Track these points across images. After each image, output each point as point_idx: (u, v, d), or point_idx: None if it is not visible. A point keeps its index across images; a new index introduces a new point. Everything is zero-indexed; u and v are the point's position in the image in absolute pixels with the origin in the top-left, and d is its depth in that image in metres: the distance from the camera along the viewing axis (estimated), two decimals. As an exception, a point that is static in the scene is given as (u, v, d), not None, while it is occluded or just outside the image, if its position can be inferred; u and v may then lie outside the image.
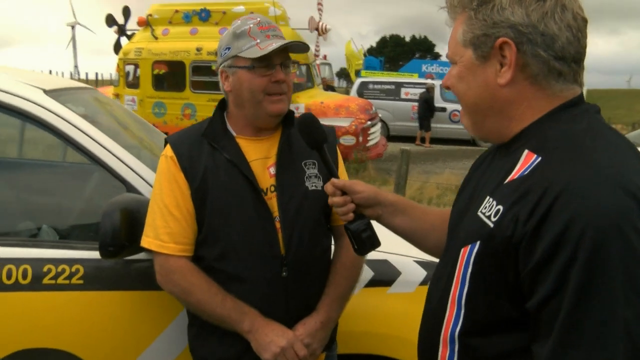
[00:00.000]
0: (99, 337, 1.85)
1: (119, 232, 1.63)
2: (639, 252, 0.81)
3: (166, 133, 8.76)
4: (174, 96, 10.73)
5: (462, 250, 1.00)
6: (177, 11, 10.50)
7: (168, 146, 1.63)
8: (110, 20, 11.85)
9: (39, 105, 1.90)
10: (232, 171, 1.56)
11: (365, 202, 1.38)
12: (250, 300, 1.54)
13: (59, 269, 1.83)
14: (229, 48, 1.60)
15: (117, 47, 11.92)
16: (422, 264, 2.05)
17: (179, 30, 10.52)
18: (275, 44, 1.52)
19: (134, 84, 11.04)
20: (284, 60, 1.59)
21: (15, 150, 2.38)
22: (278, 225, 1.58)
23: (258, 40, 1.55)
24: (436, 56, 59.48)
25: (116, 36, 11.96)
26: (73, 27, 55.60)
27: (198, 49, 10.19)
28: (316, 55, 11.10)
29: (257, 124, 1.63)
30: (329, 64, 21.92)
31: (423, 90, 15.52)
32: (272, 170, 1.62)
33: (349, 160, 9.96)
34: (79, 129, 1.90)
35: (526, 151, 0.98)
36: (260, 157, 1.63)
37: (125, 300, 1.84)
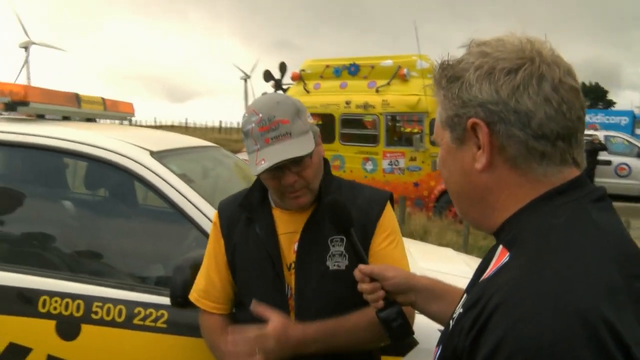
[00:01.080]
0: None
1: (188, 286, 1.82)
2: None
3: None
4: (324, 148, 11.22)
5: (434, 350, 0.94)
6: (327, 66, 11.08)
7: (216, 213, 1.76)
8: (267, 76, 12.87)
9: (139, 164, 2.21)
10: (260, 244, 1.62)
11: (397, 288, 1.32)
12: None
13: (147, 312, 2.07)
14: (244, 141, 1.61)
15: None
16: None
17: (330, 84, 11.06)
18: (267, 163, 1.47)
19: (287, 135, 11.77)
20: (295, 158, 1.50)
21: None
22: (292, 302, 1.60)
23: (258, 147, 1.50)
24: (609, 103, 54.86)
25: (273, 90, 12.93)
26: (245, 81, 61.46)
27: (347, 102, 10.62)
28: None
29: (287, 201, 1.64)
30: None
31: (586, 141, 14.47)
32: (296, 246, 1.62)
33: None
34: (170, 186, 2.17)
35: (500, 247, 0.88)
36: (290, 231, 1.64)
37: (198, 347, 2.01)
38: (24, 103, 2.54)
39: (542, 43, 0.91)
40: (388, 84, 10.21)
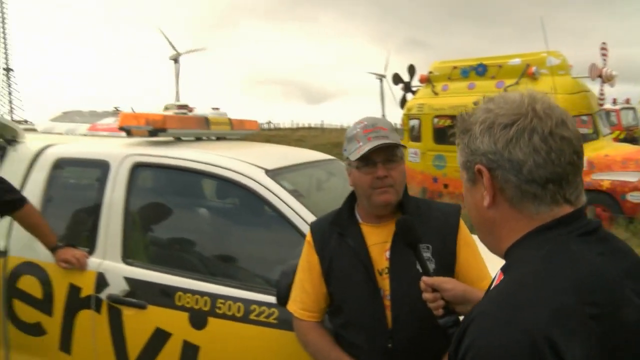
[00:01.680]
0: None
1: (290, 288, 2.14)
2: None
3: (446, 185, 9.27)
4: (453, 149, 11.14)
5: None
6: (455, 67, 11.01)
7: (309, 231, 2.06)
8: (397, 79, 13.03)
9: (255, 181, 2.60)
10: (352, 256, 1.89)
11: (454, 299, 1.52)
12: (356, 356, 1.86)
13: (261, 309, 2.43)
14: (345, 150, 1.93)
15: (403, 102, 13.00)
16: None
17: (458, 85, 10.98)
18: (368, 146, 1.79)
19: (416, 137, 11.85)
20: (387, 157, 1.84)
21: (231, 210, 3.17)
22: (387, 303, 1.84)
23: (361, 144, 1.83)
24: None
25: (402, 93, 13.07)
26: (381, 80, 61.47)
27: (475, 103, 10.37)
28: (600, 105, 10.28)
29: (374, 213, 1.92)
30: (633, 108, 18.41)
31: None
32: (388, 254, 1.88)
33: (638, 218, 8.95)
34: (280, 199, 2.52)
35: (499, 271, 1.04)
36: (379, 241, 1.90)
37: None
38: (163, 130, 3.04)
39: (540, 98, 1.08)
40: (516, 83, 9.91)
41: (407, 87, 13.32)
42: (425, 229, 1.81)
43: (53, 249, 2.87)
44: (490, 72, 10.46)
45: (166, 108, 4.62)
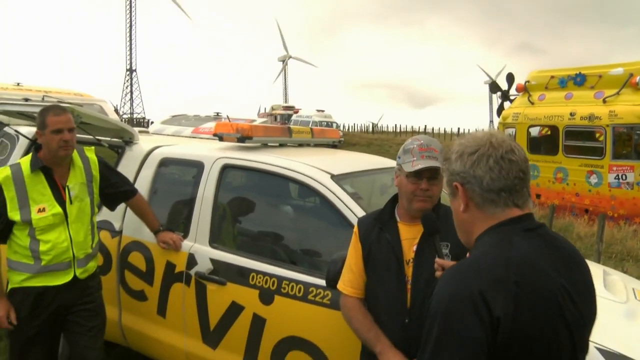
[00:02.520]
0: (332, 338, 2.81)
1: (338, 273, 2.56)
2: (453, 321, 1.30)
3: (538, 195, 9.32)
4: (547, 159, 11.05)
5: None
6: (552, 77, 10.88)
7: (356, 224, 2.50)
8: (494, 87, 13.03)
9: (321, 184, 3.06)
10: (388, 247, 2.31)
11: None
12: (387, 333, 2.26)
13: (317, 291, 2.88)
14: (399, 157, 2.34)
15: (500, 110, 12.96)
16: (602, 350, 2.33)
17: (554, 95, 10.85)
18: (420, 165, 2.22)
19: (513, 146, 11.78)
20: (432, 174, 2.26)
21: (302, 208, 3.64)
22: (409, 287, 2.24)
23: (414, 159, 2.25)
24: None
25: (500, 101, 13.04)
26: (490, 85, 59.82)
27: (572, 114, 10.33)
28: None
29: (411, 214, 2.33)
30: None
31: None
32: (415, 247, 2.29)
33: None
34: (340, 200, 2.96)
35: (467, 253, 1.52)
36: (410, 237, 2.31)
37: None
38: (249, 137, 3.58)
39: (495, 134, 1.52)
40: (617, 93, 9.68)
41: (505, 96, 13.27)
42: (447, 230, 2.17)
43: (156, 232, 3.49)
44: (590, 82, 10.27)
45: (273, 108, 5.17)
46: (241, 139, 3.56)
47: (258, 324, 3.07)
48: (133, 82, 74.41)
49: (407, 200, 2.31)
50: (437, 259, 2.01)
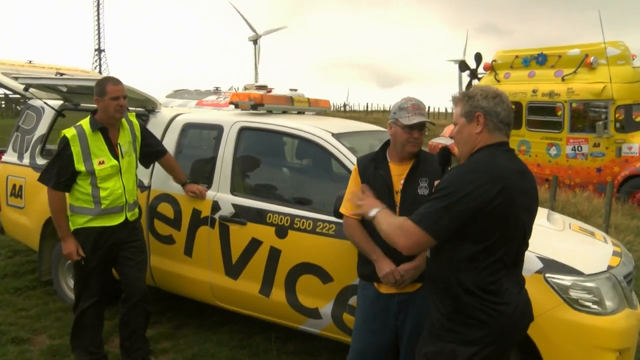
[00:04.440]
0: (336, 261, 3.55)
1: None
2: (462, 193, 2.10)
3: None
4: (511, 133, 11.89)
5: None
6: (517, 56, 11.71)
7: (355, 163, 3.19)
8: (463, 66, 13.84)
9: (324, 140, 3.77)
10: (381, 180, 3.00)
11: None
12: (379, 245, 2.94)
13: (324, 224, 3.61)
14: (395, 113, 3.03)
15: (469, 88, 13.79)
16: (540, 258, 3.13)
17: (519, 73, 11.68)
18: (415, 120, 2.92)
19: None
20: (421, 127, 2.97)
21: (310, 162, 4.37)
22: (397, 210, 2.94)
23: (409, 115, 2.94)
24: None
25: (468, 79, 13.86)
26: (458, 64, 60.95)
27: (534, 91, 11.18)
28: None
29: (401, 156, 3.04)
30: None
31: None
32: (402, 181, 2.99)
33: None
34: (341, 153, 3.68)
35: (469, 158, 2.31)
36: (399, 173, 3.01)
37: (351, 246, 3.46)
38: (261, 105, 4.27)
39: (503, 91, 2.31)
40: (574, 72, 10.56)
41: (473, 74, 14.07)
42: (426, 168, 2.94)
43: (183, 184, 4.16)
44: (550, 62, 11.11)
45: (246, 88, 5.78)
46: (254, 106, 4.25)
47: (274, 254, 3.79)
48: (102, 62, 73.43)
49: (401, 146, 3.01)
50: (436, 182, 2.73)
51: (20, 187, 5.22)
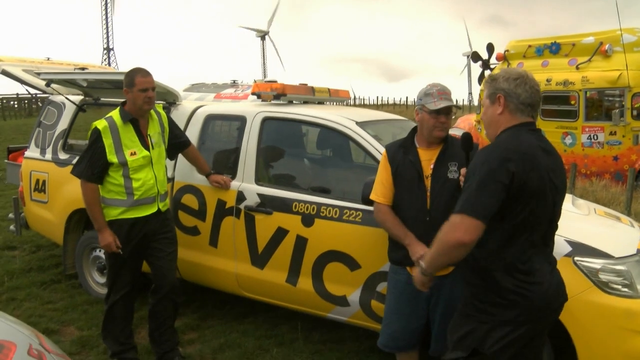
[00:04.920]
0: (364, 248, 3.57)
1: (369, 193, 3.28)
2: (491, 172, 2.11)
3: None
4: None
5: None
6: (530, 46, 11.63)
7: (385, 150, 3.20)
8: (475, 57, 13.74)
9: (349, 128, 3.78)
10: (410, 165, 3.02)
11: None
12: (411, 230, 2.98)
13: (351, 212, 3.62)
14: (421, 99, 3.05)
15: (481, 79, 13.72)
16: (569, 242, 3.13)
17: (532, 63, 11.58)
18: (442, 104, 2.95)
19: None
20: (447, 111, 2.99)
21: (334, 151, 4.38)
22: (428, 194, 2.97)
23: (435, 100, 2.97)
24: None
25: (481, 69, 13.79)
26: (468, 57, 60.80)
27: (548, 80, 11.10)
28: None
29: (429, 141, 3.05)
30: None
31: None
32: (432, 166, 3.01)
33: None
34: (366, 141, 3.69)
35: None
36: (428, 158, 3.03)
37: (378, 233, 3.47)
38: (284, 95, 4.29)
39: (527, 72, 2.29)
40: (589, 60, 10.48)
41: (486, 65, 13.96)
42: (454, 152, 2.95)
43: (207, 175, 4.19)
44: (564, 50, 11.02)
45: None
46: (277, 96, 4.27)
47: (301, 243, 3.81)
48: (111, 61, 73.73)
49: (428, 131, 3.02)
50: (462, 170, 2.76)
51: (44, 182, 5.28)
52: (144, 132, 3.70)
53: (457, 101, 46.39)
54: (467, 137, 2.83)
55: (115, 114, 3.65)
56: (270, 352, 4.10)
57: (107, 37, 73.16)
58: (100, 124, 3.57)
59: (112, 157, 3.55)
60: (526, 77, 2.29)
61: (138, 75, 3.60)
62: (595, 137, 10.52)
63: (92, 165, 3.56)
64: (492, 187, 2.12)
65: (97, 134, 3.55)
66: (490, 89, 2.35)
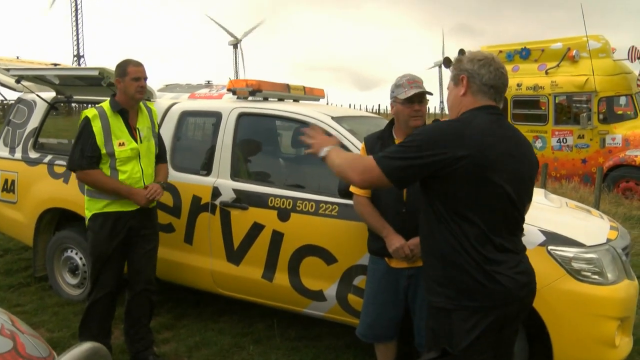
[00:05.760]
0: (340, 242, 3.57)
1: (346, 185, 3.30)
2: (422, 143, 2.12)
3: None
4: None
5: None
6: (500, 51, 11.82)
7: (363, 142, 3.24)
8: (447, 62, 13.92)
9: (325, 123, 3.79)
10: None
11: None
12: (389, 221, 3.00)
13: (327, 205, 3.62)
14: (393, 92, 3.07)
15: (453, 85, 13.92)
16: (542, 231, 3.17)
17: (503, 68, 11.82)
18: (412, 91, 2.96)
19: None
20: (420, 99, 3.01)
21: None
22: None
23: (406, 89, 2.99)
24: None
25: (452, 76, 13.99)
26: (440, 66, 61.71)
27: (518, 85, 11.32)
28: (639, 85, 10.87)
29: (407, 132, 3.05)
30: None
31: None
32: None
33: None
34: (342, 135, 3.70)
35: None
36: None
37: (354, 227, 3.48)
38: (259, 91, 4.28)
39: (494, 56, 2.28)
40: (557, 66, 10.72)
41: (457, 71, 14.17)
42: None
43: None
44: (533, 56, 11.27)
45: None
46: (252, 93, 4.26)
47: (277, 238, 3.79)
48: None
49: (405, 122, 3.04)
50: None
51: (13, 181, 5.16)
52: (133, 124, 3.65)
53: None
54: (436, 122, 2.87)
55: (105, 104, 3.61)
56: (246, 349, 4.07)
57: (77, 44, 72.05)
58: (90, 112, 3.53)
59: (101, 146, 3.51)
60: (492, 59, 2.23)
61: (130, 65, 3.57)
62: (564, 141, 10.75)
63: (84, 149, 3.52)
64: (419, 163, 2.12)
65: (86, 121, 3.51)
66: (455, 71, 2.31)
